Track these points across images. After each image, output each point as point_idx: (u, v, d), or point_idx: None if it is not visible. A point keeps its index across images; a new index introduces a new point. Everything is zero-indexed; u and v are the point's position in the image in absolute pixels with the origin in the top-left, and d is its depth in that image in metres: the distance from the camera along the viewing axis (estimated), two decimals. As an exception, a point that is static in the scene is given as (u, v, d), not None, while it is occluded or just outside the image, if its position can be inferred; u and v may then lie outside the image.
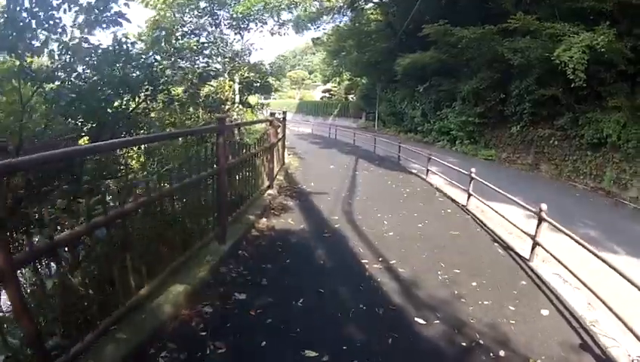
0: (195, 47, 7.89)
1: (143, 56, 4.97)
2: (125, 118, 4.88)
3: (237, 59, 17.78)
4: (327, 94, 42.58)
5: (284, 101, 51.67)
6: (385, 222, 5.78)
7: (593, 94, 10.95)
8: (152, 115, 5.86)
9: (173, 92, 6.04)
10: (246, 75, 17.01)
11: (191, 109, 7.40)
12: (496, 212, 5.90)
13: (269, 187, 6.57)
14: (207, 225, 3.80)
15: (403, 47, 19.83)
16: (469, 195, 6.93)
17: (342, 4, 24.16)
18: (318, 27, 26.87)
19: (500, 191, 5.88)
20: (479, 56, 15.08)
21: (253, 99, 17.46)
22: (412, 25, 19.05)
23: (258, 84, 17.62)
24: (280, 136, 8.14)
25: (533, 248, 4.54)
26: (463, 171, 7.40)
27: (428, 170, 9.72)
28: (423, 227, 5.66)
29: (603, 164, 10.55)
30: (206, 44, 9.57)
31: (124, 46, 4.62)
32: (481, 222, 6.04)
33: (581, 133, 11.12)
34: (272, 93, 24.42)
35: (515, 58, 12.70)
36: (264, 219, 5.37)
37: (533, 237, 4.56)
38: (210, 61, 9.76)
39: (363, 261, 4.30)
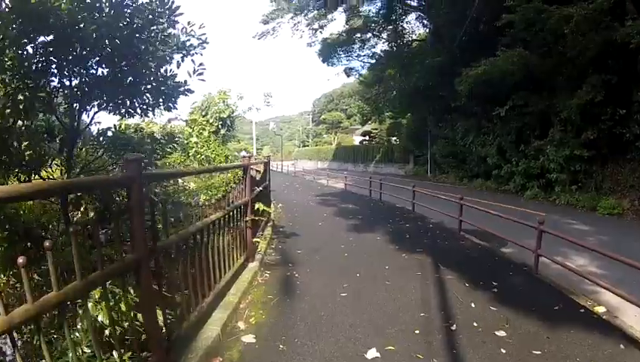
0: None
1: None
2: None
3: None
4: (367, 137, 38.80)
5: (321, 148, 48.59)
6: None
7: None
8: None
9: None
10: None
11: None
12: None
13: None
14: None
15: (459, 62, 15.46)
16: None
17: (376, 19, 20.78)
18: (349, 54, 23.64)
19: None
20: (584, 51, 10.51)
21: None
22: (467, 35, 15.63)
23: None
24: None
25: None
26: None
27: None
28: None
29: None
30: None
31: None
32: None
33: None
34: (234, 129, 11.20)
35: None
36: None
37: None
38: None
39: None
